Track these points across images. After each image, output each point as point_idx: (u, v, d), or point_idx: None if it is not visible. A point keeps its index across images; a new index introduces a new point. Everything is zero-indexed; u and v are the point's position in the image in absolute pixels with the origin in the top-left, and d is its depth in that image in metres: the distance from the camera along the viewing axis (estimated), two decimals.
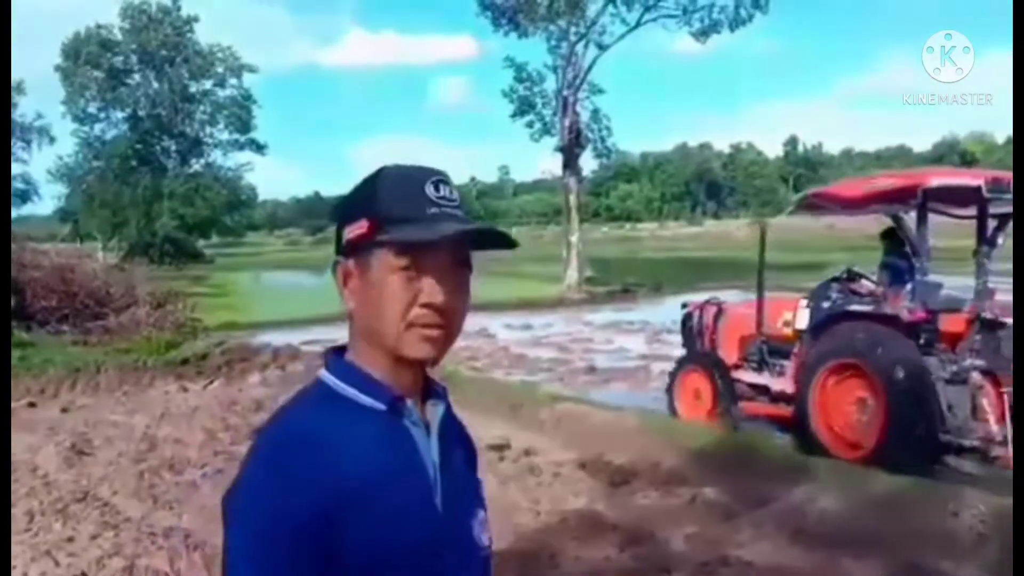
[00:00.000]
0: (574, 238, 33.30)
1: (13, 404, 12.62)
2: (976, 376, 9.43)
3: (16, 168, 73.41)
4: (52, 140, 72.12)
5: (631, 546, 7.03)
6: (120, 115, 73.81)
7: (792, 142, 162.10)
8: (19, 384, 14.16)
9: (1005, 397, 9.05)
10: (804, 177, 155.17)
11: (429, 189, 1.63)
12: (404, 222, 1.60)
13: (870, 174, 13.20)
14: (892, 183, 10.22)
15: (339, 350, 1.75)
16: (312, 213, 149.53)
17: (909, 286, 10.34)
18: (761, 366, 11.60)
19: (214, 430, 11.05)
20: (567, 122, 33.19)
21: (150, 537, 7.27)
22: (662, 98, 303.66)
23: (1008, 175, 9.40)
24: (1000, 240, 10.02)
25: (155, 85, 73.21)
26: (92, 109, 72.72)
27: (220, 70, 75.15)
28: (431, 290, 1.61)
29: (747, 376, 11.64)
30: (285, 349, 17.19)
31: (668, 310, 26.79)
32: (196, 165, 78.57)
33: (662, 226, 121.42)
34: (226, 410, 12.29)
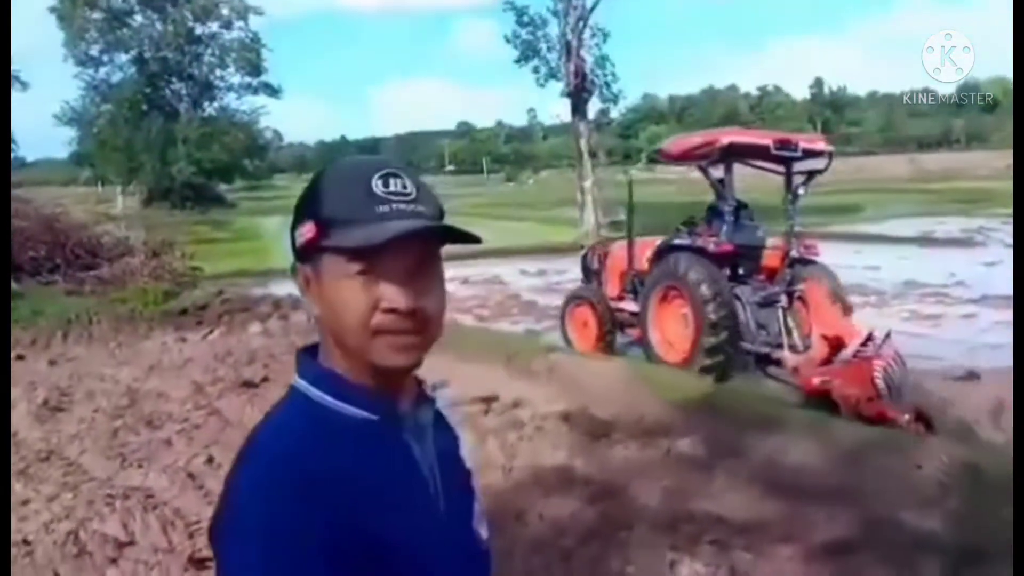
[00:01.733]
0: (588, 183, 33.09)
1: None
2: (784, 300, 11.84)
3: None
4: (24, 86, 71.87)
5: (600, 501, 6.96)
6: (125, 58, 74.01)
7: (818, 84, 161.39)
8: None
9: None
10: (831, 119, 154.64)
11: (377, 185, 1.52)
12: (349, 223, 1.50)
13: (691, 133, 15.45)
14: (697, 140, 12.65)
15: (310, 351, 1.66)
16: (340, 156, 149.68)
17: (724, 226, 12.25)
18: (635, 296, 13.22)
19: (202, 383, 10.90)
20: (572, 67, 32.79)
21: (107, 499, 7.11)
22: (691, 40, 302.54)
23: (795, 137, 12.65)
24: (802, 192, 12.40)
25: (158, 27, 73.18)
26: (94, 52, 72.77)
27: (225, 12, 75.29)
28: (392, 295, 1.51)
29: (625, 305, 13.49)
30: (287, 299, 16.91)
31: None
32: (209, 109, 78.94)
33: (691, 168, 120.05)
34: (219, 362, 12.13)
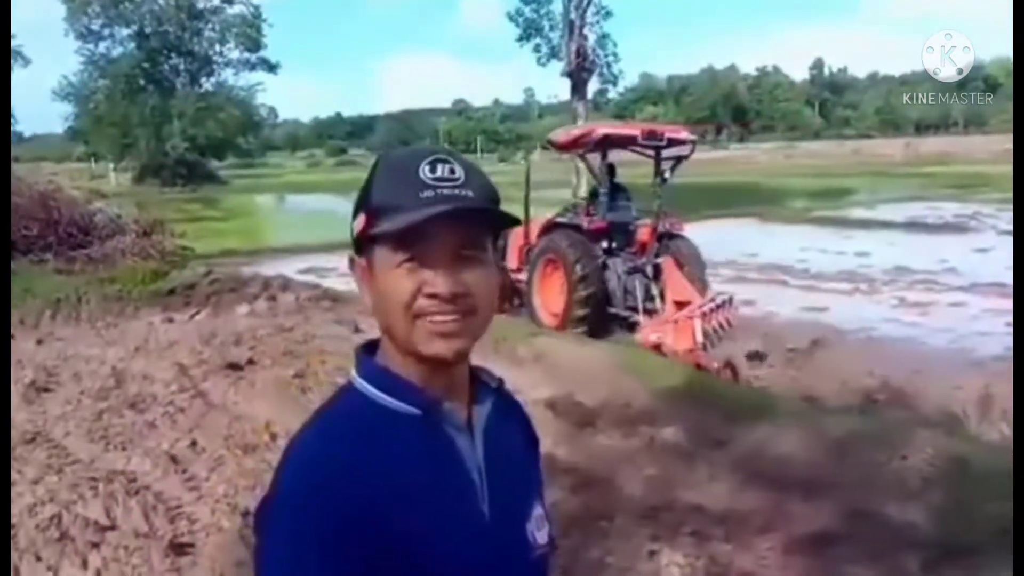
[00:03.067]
0: (582, 164, 32.83)
1: None
2: (649, 270, 13.73)
3: None
4: (26, 62, 72.00)
5: (583, 490, 6.99)
6: (126, 32, 74.42)
7: (818, 65, 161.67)
8: None
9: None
10: (830, 101, 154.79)
11: (424, 170, 1.52)
12: (395, 210, 1.51)
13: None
14: (578, 132, 14.86)
15: (369, 348, 1.67)
16: (333, 134, 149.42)
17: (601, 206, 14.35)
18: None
19: (187, 365, 10.82)
20: (574, 46, 32.70)
21: (90, 482, 7.10)
22: (690, 20, 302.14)
23: (661, 128, 14.57)
24: (668, 175, 14.10)
25: (160, 2, 73.25)
26: (95, 26, 73.06)
27: None
28: (433, 279, 1.52)
29: (521, 276, 14.95)
30: (276, 279, 17.00)
31: None
32: (207, 85, 79.22)
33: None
34: (205, 343, 12.04)
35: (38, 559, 5.96)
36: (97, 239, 20.79)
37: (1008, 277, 15.38)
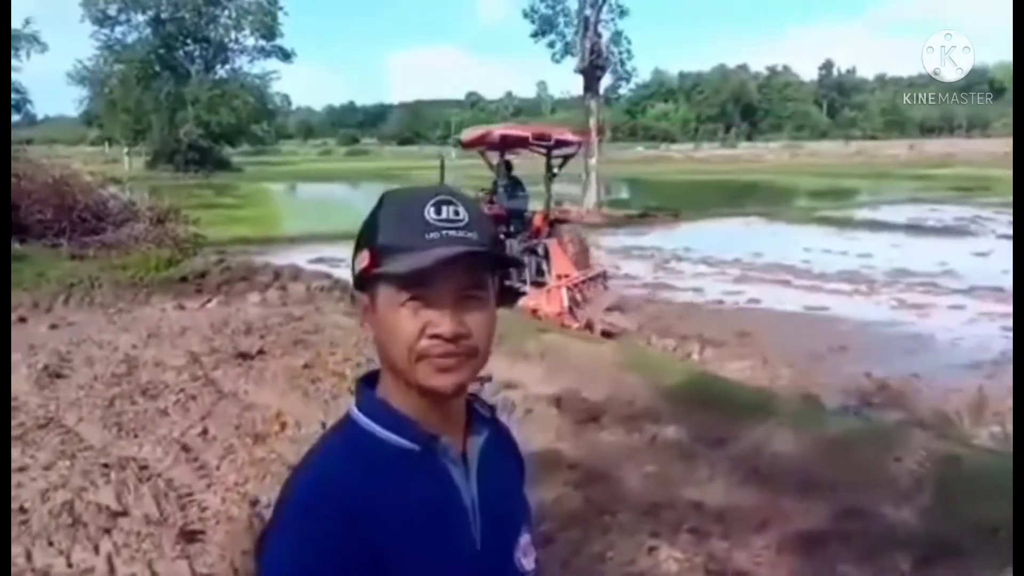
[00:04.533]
0: (593, 160, 32.94)
1: None
2: (541, 249, 15.56)
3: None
4: (43, 48, 72.29)
5: (586, 485, 7.06)
6: (142, 18, 74.27)
7: (827, 66, 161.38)
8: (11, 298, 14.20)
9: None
10: (837, 101, 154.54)
11: (429, 212, 1.55)
12: (400, 251, 1.54)
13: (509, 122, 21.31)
14: (480, 133, 17.10)
15: (370, 380, 1.69)
16: (346, 122, 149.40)
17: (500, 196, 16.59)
18: None
19: (199, 353, 10.98)
20: (588, 44, 32.69)
21: (102, 468, 7.19)
22: (703, 18, 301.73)
23: (550, 130, 17.37)
24: (556, 170, 17.30)
25: None
26: (112, 11, 73.05)
27: None
28: (437, 320, 1.54)
29: None
30: (287, 268, 17.13)
31: (682, 236, 26.88)
32: (221, 72, 79.03)
33: (697, 147, 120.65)
34: (216, 332, 12.21)
35: (50, 544, 6.03)
36: (111, 225, 20.99)
37: (1006, 281, 15.44)
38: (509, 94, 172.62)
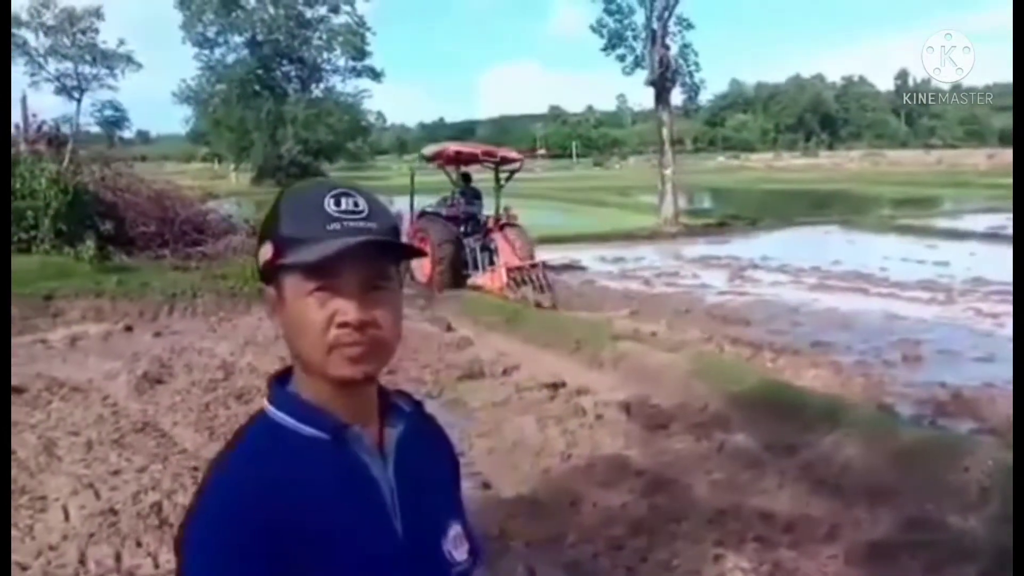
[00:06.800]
0: (668, 171, 32.73)
1: (110, 327, 13.31)
2: (492, 246, 18.27)
3: (105, 95, 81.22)
4: (138, 66, 74.37)
5: (652, 493, 7.17)
6: (239, 40, 76.33)
7: (903, 76, 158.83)
8: (117, 307, 14.99)
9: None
10: (915, 111, 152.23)
11: (329, 204, 1.58)
12: (303, 242, 1.56)
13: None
14: (438, 149, 20.22)
15: (282, 377, 1.72)
16: (437, 138, 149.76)
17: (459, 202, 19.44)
18: None
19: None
20: (656, 57, 32.65)
21: (192, 471, 7.49)
22: (780, 28, 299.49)
23: (497, 149, 20.99)
24: (503, 182, 19.90)
25: (271, 10, 74.71)
26: (211, 34, 75.35)
27: None
28: (344, 308, 1.56)
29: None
30: (424, 287, 17.78)
31: (760, 244, 26.81)
32: (316, 91, 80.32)
33: (776, 156, 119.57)
34: None
35: (138, 545, 6.31)
36: (211, 237, 21.85)
37: None
38: (590, 107, 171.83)
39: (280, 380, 1.71)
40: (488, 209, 19.63)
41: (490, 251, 18.46)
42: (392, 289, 1.64)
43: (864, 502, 6.90)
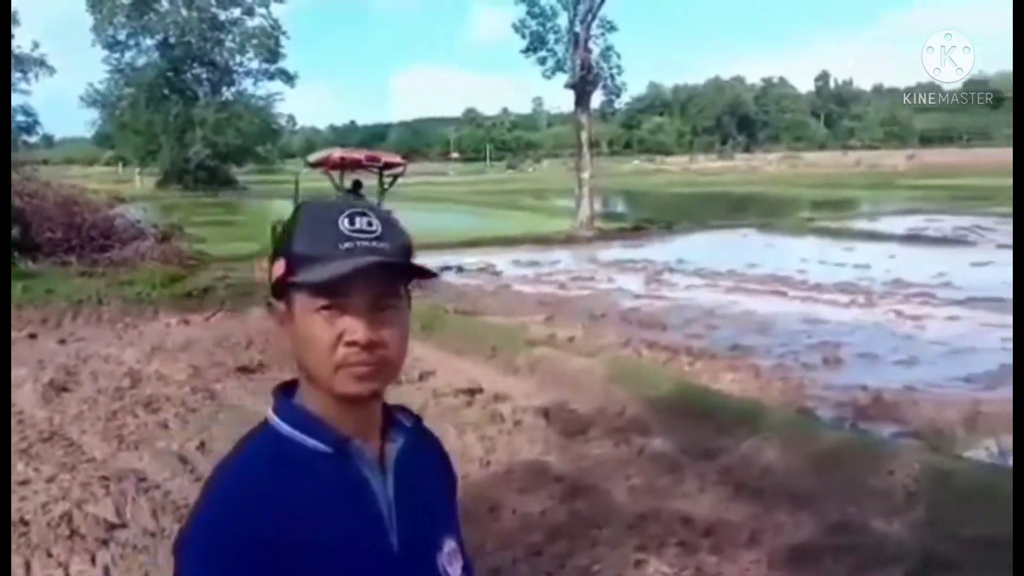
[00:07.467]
0: (585, 174, 32.80)
1: (15, 334, 12.93)
2: None
3: (17, 99, 76.22)
4: (52, 70, 73.25)
5: (572, 499, 7.12)
6: (150, 42, 75.62)
7: (824, 77, 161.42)
8: (21, 315, 14.54)
9: None
10: (835, 112, 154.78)
11: (343, 223, 1.58)
12: (315, 261, 1.56)
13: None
14: (323, 155, 20.48)
15: (287, 388, 1.71)
16: (347, 142, 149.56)
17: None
18: None
19: (201, 367, 11.29)
20: (578, 59, 32.68)
21: (102, 481, 7.37)
22: (699, 31, 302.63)
23: (380, 154, 21.06)
24: (387, 186, 20.59)
25: (183, 12, 74.10)
26: (121, 36, 74.62)
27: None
28: (353, 327, 1.56)
29: None
30: None
31: (676, 248, 26.96)
32: (227, 94, 79.82)
33: (693, 159, 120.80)
34: (218, 346, 12.58)
35: (49, 555, 6.17)
36: (118, 242, 21.59)
37: (1005, 292, 15.28)
38: (505, 110, 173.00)
39: (285, 391, 1.71)
40: None
41: None
42: (400, 308, 1.65)
43: (786, 506, 6.91)
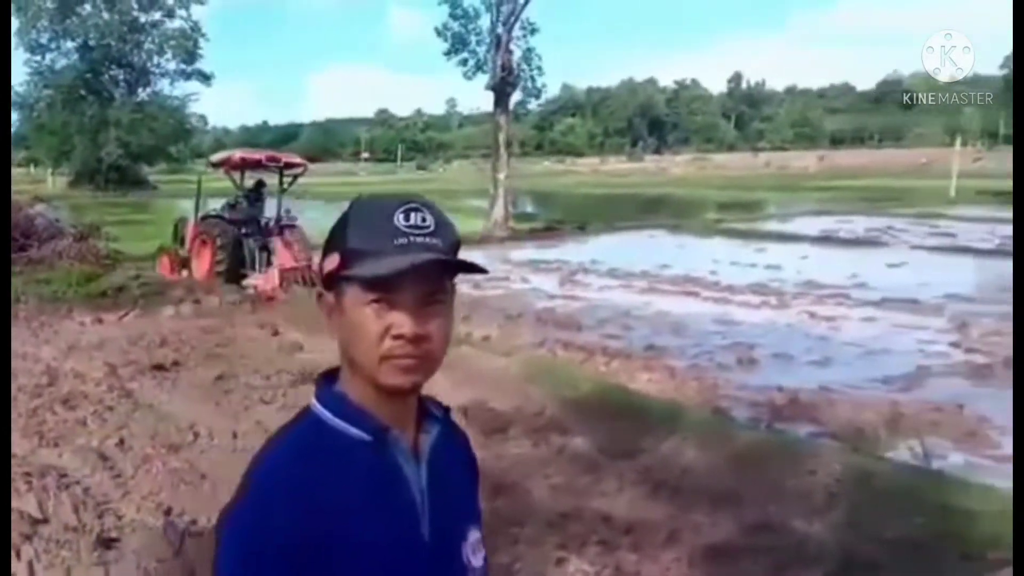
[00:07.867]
0: (501, 175, 32.86)
1: None
2: (271, 247, 18.76)
3: None
4: None
5: (492, 497, 7.03)
6: (71, 45, 75.77)
7: (736, 78, 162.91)
8: None
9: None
10: (746, 114, 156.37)
11: (398, 218, 1.60)
12: (369, 255, 1.59)
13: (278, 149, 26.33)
14: (224, 156, 20.39)
15: (330, 376, 1.75)
16: (257, 141, 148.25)
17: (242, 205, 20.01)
18: None
19: (116, 365, 11.22)
20: (499, 61, 32.70)
21: (24, 477, 7.31)
22: (614, 32, 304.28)
23: (280, 155, 20.59)
24: (286, 185, 20.14)
25: (105, 15, 74.19)
26: (44, 39, 74.75)
27: (170, 1, 76.45)
28: (401, 321, 1.59)
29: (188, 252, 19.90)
30: (201, 283, 17.71)
31: (589, 249, 27.01)
32: (143, 95, 79.80)
33: (603, 161, 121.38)
34: (133, 344, 12.52)
35: None
36: (37, 241, 21.28)
37: (920, 293, 15.84)
38: (419, 111, 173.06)
39: (328, 379, 1.75)
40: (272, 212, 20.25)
41: (268, 251, 19.07)
42: (447, 303, 1.67)
43: (704, 506, 6.96)
